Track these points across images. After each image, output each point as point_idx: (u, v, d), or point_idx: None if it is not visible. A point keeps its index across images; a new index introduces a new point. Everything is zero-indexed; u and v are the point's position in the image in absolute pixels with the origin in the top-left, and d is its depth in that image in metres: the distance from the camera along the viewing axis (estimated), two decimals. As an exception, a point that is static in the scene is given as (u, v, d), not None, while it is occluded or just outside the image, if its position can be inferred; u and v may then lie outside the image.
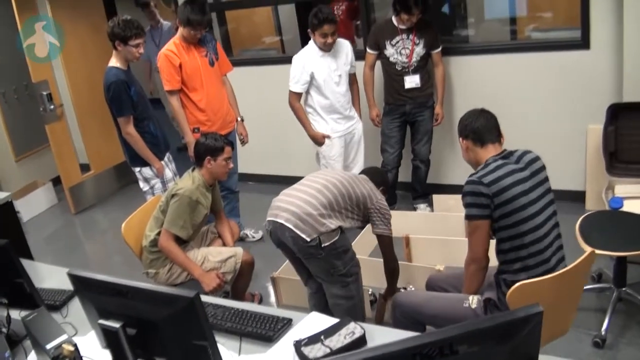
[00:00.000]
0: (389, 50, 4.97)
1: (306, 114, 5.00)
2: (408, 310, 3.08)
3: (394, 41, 4.95)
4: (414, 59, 4.95)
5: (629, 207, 4.11)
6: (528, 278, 2.72)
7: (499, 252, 2.81)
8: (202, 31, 4.72)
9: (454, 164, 5.62)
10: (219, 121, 4.92)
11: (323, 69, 4.80)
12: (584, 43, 4.81)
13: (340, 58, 4.87)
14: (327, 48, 4.77)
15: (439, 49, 5.07)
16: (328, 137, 4.96)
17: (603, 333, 3.52)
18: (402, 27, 4.90)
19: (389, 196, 5.45)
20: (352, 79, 5.09)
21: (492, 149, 2.88)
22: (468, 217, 2.80)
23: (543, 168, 2.84)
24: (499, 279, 2.84)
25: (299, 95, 4.92)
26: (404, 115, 5.16)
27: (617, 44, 4.61)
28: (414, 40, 4.92)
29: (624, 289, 3.73)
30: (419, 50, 4.95)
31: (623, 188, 4.43)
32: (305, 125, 4.98)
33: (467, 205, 2.79)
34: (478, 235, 2.81)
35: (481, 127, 2.88)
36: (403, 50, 4.93)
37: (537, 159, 2.85)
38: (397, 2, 4.83)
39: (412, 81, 4.99)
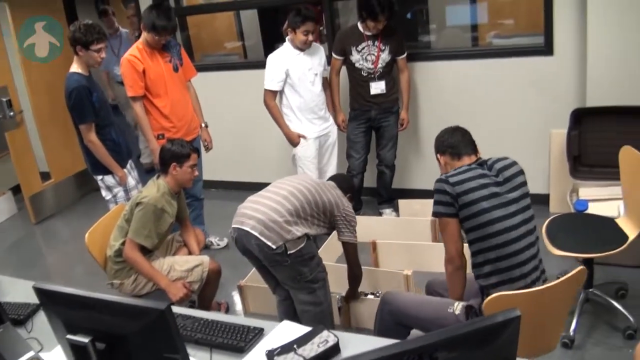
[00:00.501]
0: (355, 56, 4.97)
1: (282, 114, 4.98)
2: (394, 310, 3.08)
3: (359, 47, 4.94)
4: (379, 65, 4.95)
5: (593, 209, 4.16)
6: (500, 281, 2.76)
7: (471, 255, 2.84)
8: (166, 37, 4.66)
9: (419, 169, 5.64)
10: (184, 127, 4.86)
11: (298, 67, 4.81)
12: (547, 49, 4.87)
13: (315, 58, 4.90)
14: (305, 47, 4.78)
15: (404, 55, 5.08)
16: (303, 137, 4.96)
17: (571, 334, 3.55)
18: (368, 33, 4.90)
19: (355, 201, 5.45)
20: (325, 82, 5.10)
21: (467, 160, 2.95)
22: (434, 214, 2.87)
23: (519, 173, 2.87)
24: (480, 285, 2.86)
25: (275, 93, 4.90)
26: (370, 121, 5.16)
27: (581, 50, 4.66)
28: (379, 46, 4.92)
29: (591, 290, 3.77)
30: (385, 56, 4.95)
31: (587, 191, 4.49)
32: (281, 124, 4.97)
33: (434, 203, 2.85)
34: (447, 233, 2.85)
35: (457, 142, 2.99)
36: (369, 56, 4.93)
37: (511, 165, 2.89)
38: (363, 9, 4.82)
39: (377, 87, 5.00)
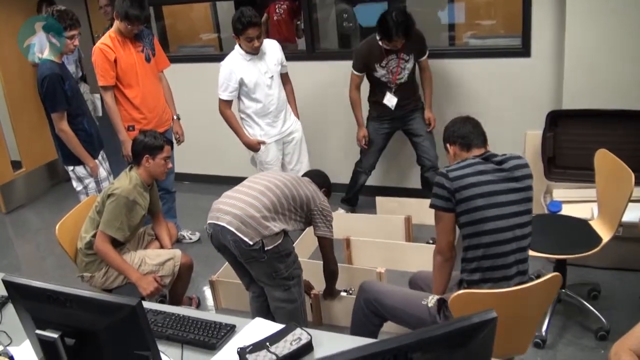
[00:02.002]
0: (380, 72, 4.80)
1: (238, 120, 4.85)
2: (370, 298, 3.10)
3: (383, 63, 4.76)
4: (405, 75, 4.81)
5: (567, 211, 4.18)
6: (482, 279, 2.76)
7: (462, 249, 2.84)
8: (139, 26, 4.60)
9: (395, 167, 5.62)
10: (155, 119, 4.80)
11: (253, 73, 4.63)
12: (525, 51, 4.89)
13: (270, 59, 4.71)
14: (254, 51, 4.59)
15: (426, 55, 4.88)
16: (263, 142, 4.81)
17: (544, 334, 3.57)
18: (388, 48, 4.71)
19: (352, 197, 5.38)
20: (285, 78, 4.93)
21: (476, 152, 2.92)
22: (431, 206, 2.85)
23: (529, 176, 2.83)
24: (461, 278, 2.87)
25: (229, 102, 4.75)
26: (394, 122, 5.00)
27: (558, 53, 4.69)
28: (402, 57, 4.75)
29: (563, 290, 3.80)
30: (409, 65, 4.80)
31: (561, 192, 4.52)
32: (239, 132, 4.82)
33: (432, 195, 2.84)
34: (441, 226, 2.85)
35: (468, 133, 2.95)
36: (394, 68, 4.77)
37: (524, 165, 2.84)
38: (379, 29, 4.64)
39: (390, 100, 4.89)
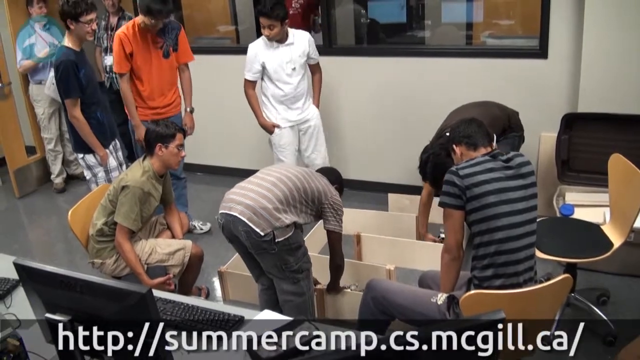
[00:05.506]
0: None
1: (259, 102, 4.96)
2: (378, 296, 3.11)
3: None
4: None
5: (579, 214, 4.17)
6: (495, 275, 2.78)
7: (473, 247, 2.85)
8: (162, 20, 4.58)
9: (405, 165, 5.60)
10: (150, 113, 4.83)
11: (274, 60, 4.75)
12: (542, 52, 4.85)
13: (296, 50, 4.79)
14: (268, 39, 4.70)
15: None
16: (278, 126, 4.92)
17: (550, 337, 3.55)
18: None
19: None
20: (315, 68, 5.04)
21: (483, 151, 2.95)
22: (440, 204, 2.88)
23: (532, 173, 2.87)
24: (471, 276, 2.89)
25: (253, 83, 4.89)
26: None
27: (575, 55, 4.65)
28: None
29: (572, 294, 3.77)
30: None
31: (574, 196, 4.51)
32: (257, 113, 4.95)
33: (442, 193, 2.87)
34: (450, 224, 2.86)
35: (474, 133, 2.99)
36: None
37: (527, 162, 2.89)
38: None
39: None
